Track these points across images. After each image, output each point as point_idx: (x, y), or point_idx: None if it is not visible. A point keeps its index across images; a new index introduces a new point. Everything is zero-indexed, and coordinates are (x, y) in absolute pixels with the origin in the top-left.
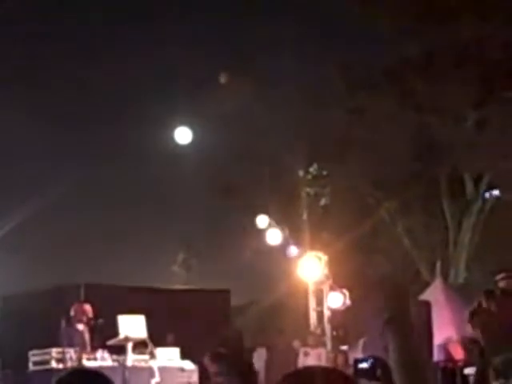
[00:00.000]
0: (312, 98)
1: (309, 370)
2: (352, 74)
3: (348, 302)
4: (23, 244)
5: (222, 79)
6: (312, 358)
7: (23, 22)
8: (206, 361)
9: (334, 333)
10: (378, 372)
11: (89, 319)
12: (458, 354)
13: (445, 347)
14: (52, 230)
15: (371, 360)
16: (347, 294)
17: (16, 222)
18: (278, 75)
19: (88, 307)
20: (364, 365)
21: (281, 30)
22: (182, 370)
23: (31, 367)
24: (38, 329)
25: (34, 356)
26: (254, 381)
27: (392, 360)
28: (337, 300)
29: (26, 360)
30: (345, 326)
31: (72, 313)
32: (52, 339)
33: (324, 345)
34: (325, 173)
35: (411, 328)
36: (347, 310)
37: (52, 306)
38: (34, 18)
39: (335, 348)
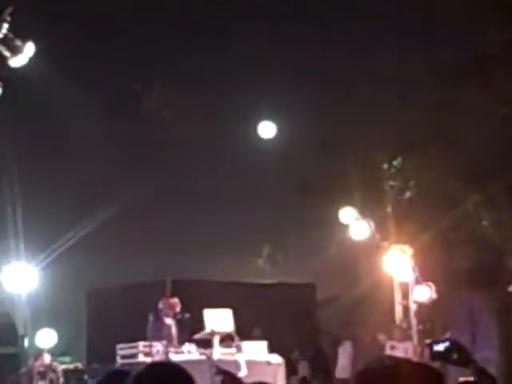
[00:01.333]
0: (396, 90)
1: (394, 363)
2: (437, 67)
3: (434, 295)
4: (110, 240)
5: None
6: (399, 351)
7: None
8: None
9: (420, 326)
10: (454, 355)
11: (176, 313)
12: None
13: None
14: (139, 226)
15: (447, 342)
16: (433, 287)
17: (103, 219)
18: (361, 65)
19: (175, 301)
20: (439, 347)
21: (361, 23)
22: (269, 363)
23: (119, 361)
24: (125, 323)
25: (121, 350)
26: None
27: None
28: (423, 293)
29: (114, 354)
30: (431, 319)
31: (160, 307)
32: (139, 333)
33: (410, 338)
34: (409, 166)
35: None
36: (433, 304)
37: (139, 301)
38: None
39: (421, 342)
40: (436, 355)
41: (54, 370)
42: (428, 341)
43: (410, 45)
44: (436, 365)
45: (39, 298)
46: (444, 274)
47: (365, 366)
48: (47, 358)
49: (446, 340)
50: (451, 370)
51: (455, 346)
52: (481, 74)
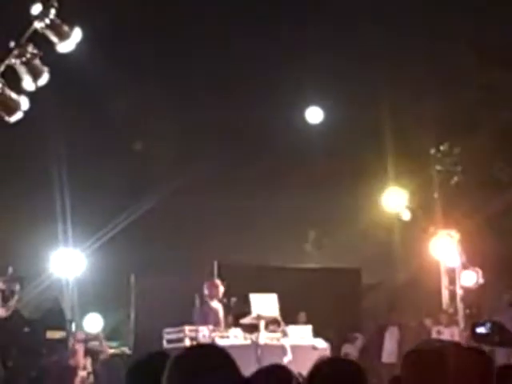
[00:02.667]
0: (444, 73)
1: (442, 345)
2: (483, 50)
3: (481, 280)
4: (157, 224)
5: None
6: (445, 336)
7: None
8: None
9: (467, 311)
10: (496, 337)
11: (221, 297)
12: None
13: None
14: (185, 209)
15: (489, 324)
16: (480, 272)
17: (149, 205)
18: (409, 50)
19: (219, 284)
20: (482, 329)
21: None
22: (314, 347)
23: (165, 345)
24: (171, 308)
25: (168, 334)
26: None
27: None
28: (470, 278)
29: (160, 338)
30: (478, 304)
31: (205, 291)
32: (186, 318)
33: (457, 323)
34: (456, 150)
35: None
36: (480, 289)
37: (185, 285)
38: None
39: (468, 327)
40: (478, 337)
41: (102, 351)
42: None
43: (458, 26)
44: (484, 349)
45: (86, 283)
46: (491, 260)
47: (414, 347)
48: (81, 336)
49: (488, 322)
50: (499, 355)
51: (497, 328)
52: None
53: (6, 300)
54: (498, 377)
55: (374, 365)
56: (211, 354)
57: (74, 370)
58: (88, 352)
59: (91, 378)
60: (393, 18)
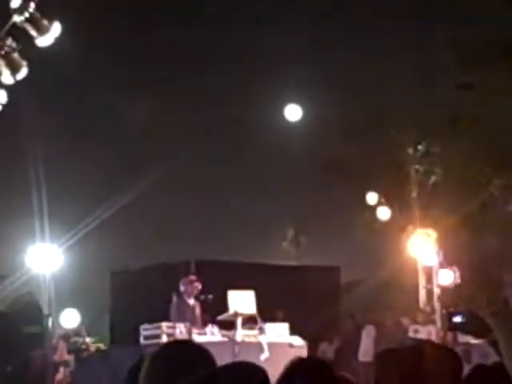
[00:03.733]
0: (421, 73)
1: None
2: (463, 49)
3: (458, 279)
4: (134, 220)
5: None
6: (422, 335)
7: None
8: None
9: (444, 311)
10: (471, 325)
11: (198, 294)
12: None
13: None
14: (162, 206)
15: (465, 313)
16: (457, 271)
17: (127, 199)
18: (386, 50)
19: (196, 281)
20: (458, 318)
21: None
22: (291, 345)
23: (142, 341)
24: (147, 304)
25: (144, 330)
26: None
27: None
28: (447, 277)
29: (137, 334)
30: (454, 303)
31: (182, 288)
32: (162, 314)
33: (433, 322)
34: (434, 150)
35: None
36: (457, 288)
37: (162, 281)
38: None
39: (444, 326)
40: (455, 325)
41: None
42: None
43: (435, 25)
44: (460, 346)
45: (63, 278)
46: (468, 259)
47: (386, 347)
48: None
49: (465, 311)
50: (475, 354)
51: (473, 317)
52: (509, 57)
53: None
54: (472, 376)
55: (350, 363)
56: (190, 350)
57: (56, 366)
58: (71, 349)
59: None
60: (368, 20)
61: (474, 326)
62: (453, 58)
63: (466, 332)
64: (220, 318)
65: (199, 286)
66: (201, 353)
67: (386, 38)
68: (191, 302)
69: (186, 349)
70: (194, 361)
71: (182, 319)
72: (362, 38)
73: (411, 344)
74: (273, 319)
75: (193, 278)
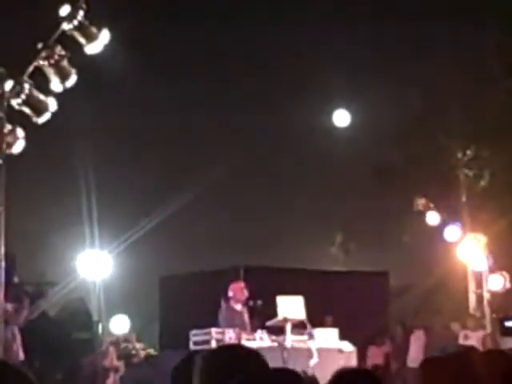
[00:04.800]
0: (470, 77)
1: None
2: (508, 54)
3: (508, 284)
4: (183, 226)
5: None
6: (472, 340)
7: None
8: None
9: (494, 315)
10: None
11: (246, 299)
12: None
13: None
14: (210, 214)
15: None
16: (507, 276)
17: (178, 205)
18: (436, 53)
19: (243, 287)
20: (510, 323)
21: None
22: (341, 351)
23: (192, 347)
24: (197, 310)
25: (194, 336)
26: None
27: None
28: (497, 282)
29: (186, 340)
30: (505, 308)
31: (230, 293)
32: (212, 320)
33: (484, 328)
34: (483, 154)
35: None
36: (507, 293)
37: (211, 287)
38: None
39: (495, 331)
40: (507, 331)
41: (136, 355)
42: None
43: (483, 31)
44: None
45: (113, 285)
46: None
47: (429, 356)
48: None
49: None
50: None
51: None
52: None
53: (32, 302)
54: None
55: (399, 369)
56: (242, 353)
57: (106, 372)
58: (121, 355)
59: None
60: (419, 24)
61: None
62: (503, 60)
63: None
64: (269, 323)
65: (247, 291)
66: (254, 356)
67: (436, 40)
68: (239, 307)
69: (240, 352)
70: (246, 363)
71: (230, 325)
72: (413, 42)
73: (455, 350)
74: (322, 325)
75: (241, 283)
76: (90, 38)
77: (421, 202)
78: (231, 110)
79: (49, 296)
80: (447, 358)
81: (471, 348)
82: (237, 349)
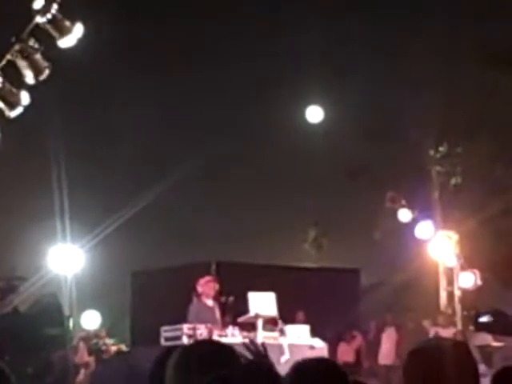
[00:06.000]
0: (444, 74)
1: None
2: (485, 50)
3: (479, 282)
4: (155, 221)
5: None
6: None
7: None
8: None
9: (465, 313)
10: (499, 326)
11: (217, 295)
12: None
13: None
14: (182, 208)
15: (491, 313)
16: (478, 273)
17: (148, 200)
18: (411, 51)
19: (213, 282)
20: (484, 318)
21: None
22: (312, 347)
23: (163, 343)
24: (168, 305)
25: (165, 332)
26: None
27: None
28: (468, 280)
29: (157, 336)
30: (476, 305)
31: (199, 289)
32: (183, 316)
33: (455, 325)
34: (456, 151)
35: None
36: (478, 290)
37: (182, 282)
38: None
39: (466, 328)
40: (481, 326)
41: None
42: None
43: (460, 26)
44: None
45: (84, 279)
46: (489, 261)
47: (416, 346)
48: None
49: (490, 311)
50: (497, 357)
51: (499, 316)
52: None
53: (2, 298)
54: (498, 378)
55: (371, 366)
56: (220, 349)
57: (77, 368)
58: (92, 351)
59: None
60: (394, 17)
61: (501, 325)
62: (477, 58)
63: (494, 332)
64: (241, 319)
65: (216, 286)
66: (229, 352)
67: (410, 39)
68: (210, 303)
69: (217, 348)
70: (224, 359)
71: (200, 320)
72: (385, 39)
73: (436, 343)
74: (293, 321)
75: (209, 278)
76: (64, 32)
77: (391, 198)
78: (204, 106)
79: (20, 291)
80: (433, 349)
81: (454, 340)
82: (211, 345)
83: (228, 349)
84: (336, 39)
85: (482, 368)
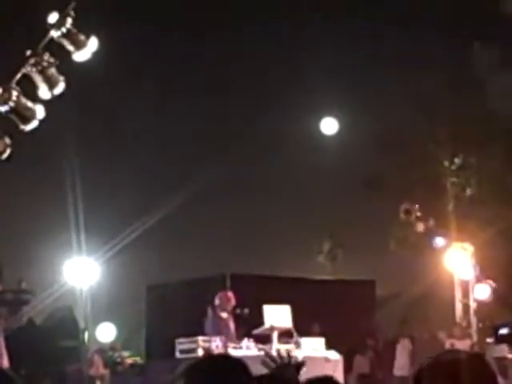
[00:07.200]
0: (455, 86)
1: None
2: (493, 59)
3: (494, 293)
4: (170, 234)
5: None
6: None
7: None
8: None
9: (480, 325)
10: None
11: (233, 308)
12: None
13: None
14: (197, 221)
15: (511, 325)
16: (494, 285)
17: (164, 213)
18: (424, 63)
19: (231, 295)
20: (504, 331)
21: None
22: (327, 359)
23: (178, 355)
24: (183, 318)
25: (180, 344)
26: None
27: None
28: (483, 291)
29: (172, 348)
30: (491, 317)
31: (217, 301)
32: (198, 328)
33: (470, 337)
34: (471, 161)
35: None
36: (494, 302)
37: (197, 295)
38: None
39: (481, 340)
40: (501, 338)
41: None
42: (490, 339)
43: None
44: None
45: (100, 292)
46: (505, 273)
47: (431, 359)
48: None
49: (510, 323)
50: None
51: None
52: None
53: (14, 312)
54: None
55: (385, 377)
56: (227, 363)
57: (92, 381)
58: (107, 363)
59: None
60: (408, 30)
61: None
62: (486, 70)
63: None
64: (256, 331)
65: (233, 299)
66: (238, 366)
67: (423, 50)
68: (225, 315)
69: (223, 362)
70: (231, 374)
71: (216, 333)
72: (399, 51)
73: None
74: (309, 333)
75: (229, 293)
76: (79, 46)
77: (406, 210)
78: (219, 120)
79: (32, 303)
80: (450, 362)
81: (471, 353)
82: (222, 360)
83: (239, 363)
84: (350, 51)
85: (499, 380)
